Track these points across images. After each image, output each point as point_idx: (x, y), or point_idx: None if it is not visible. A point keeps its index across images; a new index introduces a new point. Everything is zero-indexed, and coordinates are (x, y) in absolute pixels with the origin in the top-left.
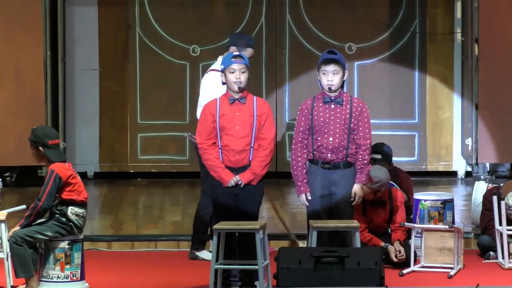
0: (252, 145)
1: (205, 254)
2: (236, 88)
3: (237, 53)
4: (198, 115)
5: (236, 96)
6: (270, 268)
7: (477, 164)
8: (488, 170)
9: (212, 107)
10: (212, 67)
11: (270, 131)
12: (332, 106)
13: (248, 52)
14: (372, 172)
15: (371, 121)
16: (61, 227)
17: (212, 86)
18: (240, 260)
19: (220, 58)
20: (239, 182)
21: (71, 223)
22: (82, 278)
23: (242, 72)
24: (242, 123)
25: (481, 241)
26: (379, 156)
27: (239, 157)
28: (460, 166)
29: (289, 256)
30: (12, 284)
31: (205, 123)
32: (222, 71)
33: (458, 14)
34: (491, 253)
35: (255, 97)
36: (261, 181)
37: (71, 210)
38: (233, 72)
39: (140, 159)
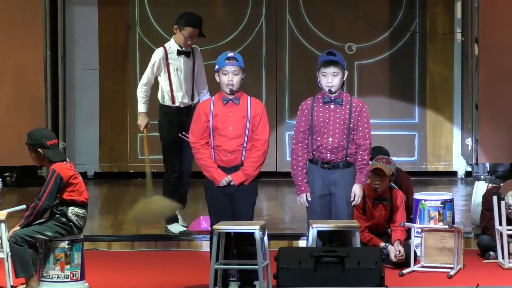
0: (245, 145)
1: (174, 227)
2: (228, 90)
3: (231, 54)
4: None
5: (230, 96)
6: (270, 268)
7: (477, 164)
8: (488, 170)
9: (206, 106)
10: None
11: (264, 132)
12: (332, 106)
13: (187, 31)
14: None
15: (371, 121)
16: (61, 227)
17: (151, 62)
18: (237, 260)
19: (173, 38)
20: (231, 182)
21: (71, 223)
22: (82, 278)
23: (235, 74)
24: (235, 123)
25: (481, 241)
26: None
27: (231, 157)
28: (460, 166)
29: (289, 256)
30: (12, 284)
31: (199, 123)
32: (217, 71)
33: (458, 14)
34: (491, 253)
35: (249, 97)
36: (255, 180)
37: (72, 211)
38: (226, 74)
39: (140, 159)
